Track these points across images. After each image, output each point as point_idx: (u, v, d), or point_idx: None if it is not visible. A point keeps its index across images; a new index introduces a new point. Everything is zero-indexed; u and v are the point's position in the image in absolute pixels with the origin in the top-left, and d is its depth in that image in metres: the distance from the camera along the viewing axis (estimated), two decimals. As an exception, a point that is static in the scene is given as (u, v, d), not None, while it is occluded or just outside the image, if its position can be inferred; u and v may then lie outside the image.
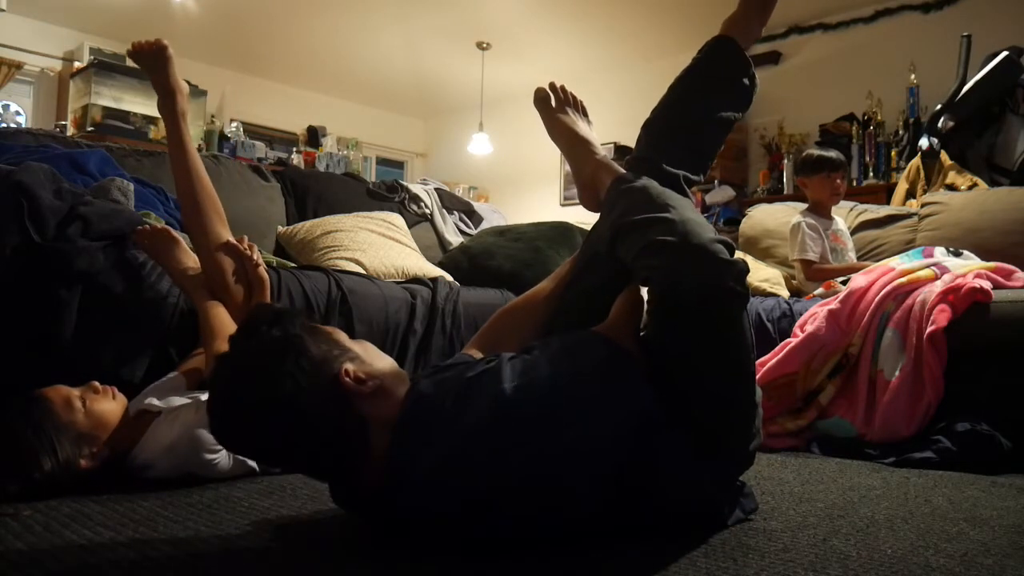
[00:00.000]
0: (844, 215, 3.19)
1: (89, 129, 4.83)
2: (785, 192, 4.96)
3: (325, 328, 1.09)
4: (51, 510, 1.23)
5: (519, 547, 1.00)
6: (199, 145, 5.32)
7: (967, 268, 2.21)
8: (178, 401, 1.51)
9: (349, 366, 1.02)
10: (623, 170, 1.42)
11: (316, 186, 3.08)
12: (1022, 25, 4.23)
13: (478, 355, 1.43)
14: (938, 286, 2.11)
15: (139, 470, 1.43)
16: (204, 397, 1.52)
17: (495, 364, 1.07)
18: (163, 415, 1.46)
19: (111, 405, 1.45)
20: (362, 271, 2.44)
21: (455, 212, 3.53)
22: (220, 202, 1.76)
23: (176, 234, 1.77)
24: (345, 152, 6.94)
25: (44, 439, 1.31)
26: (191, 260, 1.73)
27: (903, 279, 2.20)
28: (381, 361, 1.10)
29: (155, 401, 1.51)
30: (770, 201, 4.05)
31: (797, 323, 2.32)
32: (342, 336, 1.09)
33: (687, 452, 1.07)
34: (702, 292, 1.01)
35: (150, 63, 1.78)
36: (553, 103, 1.60)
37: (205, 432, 1.38)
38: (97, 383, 1.47)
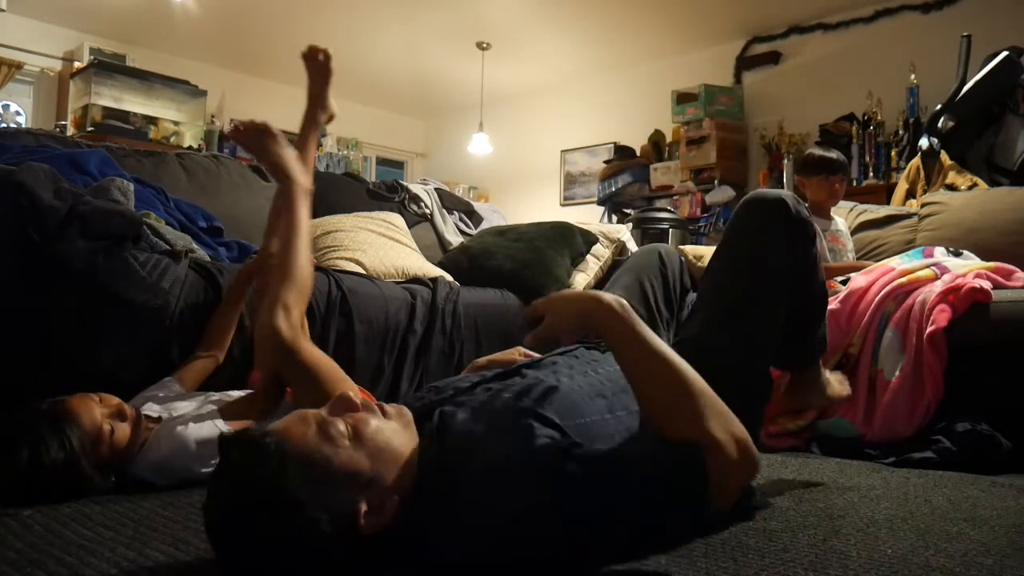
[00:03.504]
0: (844, 215, 3.18)
1: (89, 129, 4.83)
2: (785, 192, 4.96)
3: (322, 449, 0.90)
4: (51, 510, 1.23)
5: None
6: (199, 145, 5.32)
7: (967, 268, 2.20)
8: (179, 409, 1.51)
9: (364, 506, 0.90)
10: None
11: (316, 186, 3.06)
12: (1022, 25, 4.23)
13: None
14: (938, 286, 2.11)
15: (138, 476, 1.43)
16: (209, 405, 1.51)
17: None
18: (162, 425, 1.45)
19: (130, 432, 1.42)
20: (362, 271, 2.44)
21: (455, 212, 3.53)
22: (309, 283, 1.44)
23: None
24: (345, 152, 6.95)
25: (66, 459, 1.29)
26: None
27: (903, 279, 2.20)
28: (394, 443, 0.96)
29: (154, 407, 1.50)
30: (770, 201, 4.04)
31: (797, 323, 2.32)
32: (343, 456, 0.90)
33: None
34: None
35: (254, 145, 1.59)
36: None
37: (203, 445, 1.37)
38: (126, 406, 1.43)
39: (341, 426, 0.92)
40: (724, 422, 0.93)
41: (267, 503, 0.86)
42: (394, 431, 0.97)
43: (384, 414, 0.99)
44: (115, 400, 1.43)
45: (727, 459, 0.90)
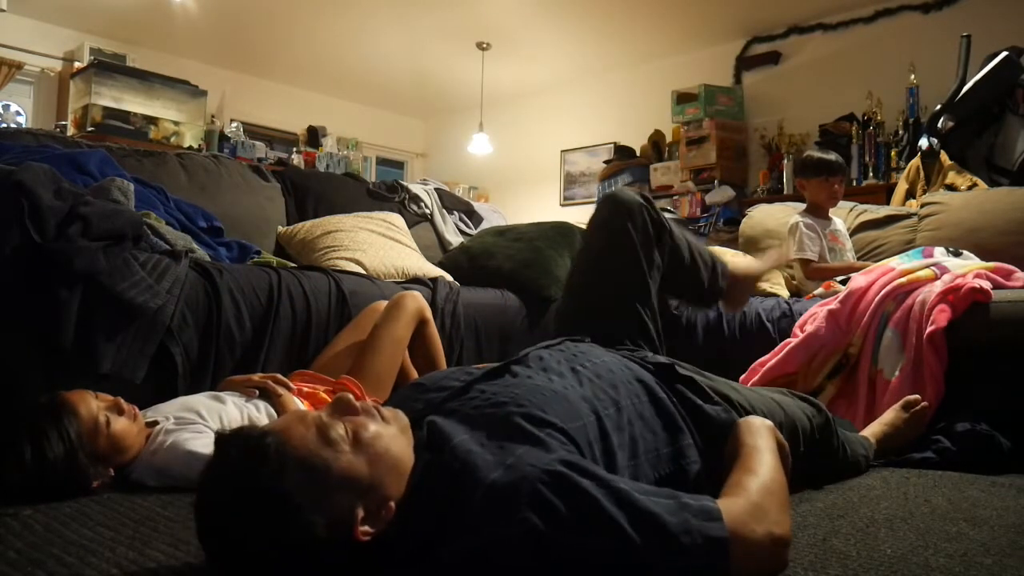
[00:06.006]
0: (844, 215, 3.18)
1: (89, 129, 4.82)
2: (785, 192, 4.96)
3: (321, 455, 0.88)
4: (51, 510, 1.23)
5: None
6: (199, 145, 5.32)
7: (967, 268, 2.20)
8: (183, 417, 1.51)
9: (361, 512, 0.88)
10: None
11: (316, 186, 3.08)
12: (1022, 25, 4.23)
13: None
14: (938, 286, 2.11)
15: (136, 480, 1.43)
16: (217, 421, 1.51)
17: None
18: (162, 430, 1.45)
19: (131, 427, 1.42)
20: (362, 271, 2.44)
21: (455, 212, 3.53)
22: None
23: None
24: (345, 152, 6.94)
25: (66, 450, 1.30)
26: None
27: (903, 279, 2.20)
28: (393, 449, 0.94)
29: (158, 418, 1.51)
30: (770, 201, 4.05)
31: (797, 323, 2.32)
32: (344, 461, 0.89)
33: None
34: None
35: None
36: None
37: (200, 455, 1.36)
38: (123, 401, 1.44)
39: (341, 430, 0.91)
40: (776, 519, 0.95)
41: (265, 503, 0.84)
42: (392, 437, 0.95)
43: (382, 418, 0.97)
44: (111, 397, 1.45)
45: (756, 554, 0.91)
